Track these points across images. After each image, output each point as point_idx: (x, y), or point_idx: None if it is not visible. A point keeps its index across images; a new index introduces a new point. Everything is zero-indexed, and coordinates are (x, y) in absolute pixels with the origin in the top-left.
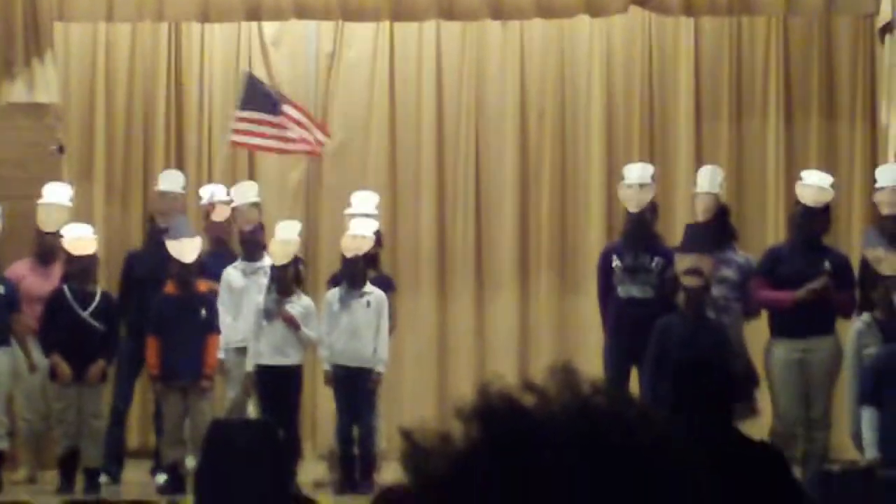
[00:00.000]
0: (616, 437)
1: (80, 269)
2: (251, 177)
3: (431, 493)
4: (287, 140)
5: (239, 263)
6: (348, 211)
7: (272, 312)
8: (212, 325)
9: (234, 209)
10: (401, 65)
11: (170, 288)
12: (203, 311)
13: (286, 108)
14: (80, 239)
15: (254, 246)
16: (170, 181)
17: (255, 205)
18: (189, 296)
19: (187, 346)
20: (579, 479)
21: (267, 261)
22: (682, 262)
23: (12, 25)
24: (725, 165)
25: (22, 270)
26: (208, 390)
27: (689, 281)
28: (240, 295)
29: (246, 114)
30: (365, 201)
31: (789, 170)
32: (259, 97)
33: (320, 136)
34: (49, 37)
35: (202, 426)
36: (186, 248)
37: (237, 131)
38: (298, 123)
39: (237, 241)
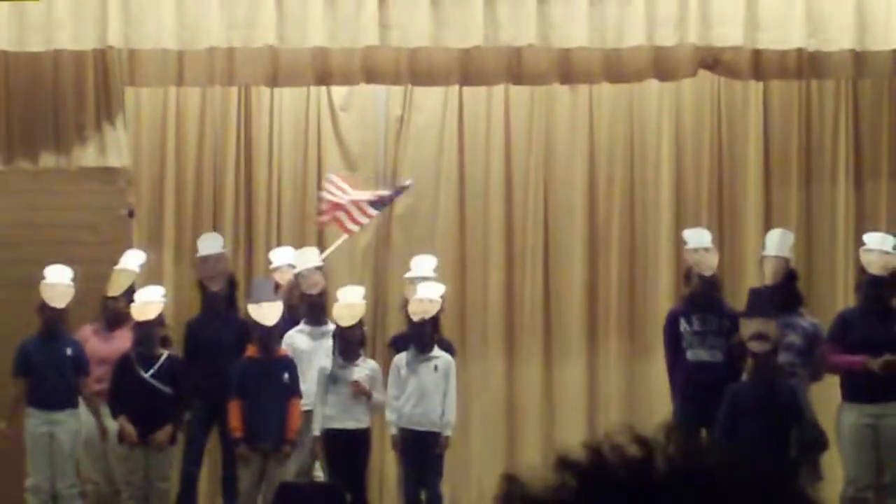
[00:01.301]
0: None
1: (144, 333)
2: (319, 240)
3: None
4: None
5: (304, 327)
6: (408, 275)
7: (339, 377)
8: (294, 389)
9: (297, 275)
10: (470, 128)
11: (251, 351)
12: (285, 375)
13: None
14: (144, 304)
15: (319, 310)
16: (208, 245)
17: (319, 269)
18: (271, 359)
19: (270, 410)
20: None
21: (332, 325)
22: (748, 328)
23: (84, 90)
24: (794, 230)
25: (86, 334)
26: (289, 455)
27: (756, 346)
28: (306, 359)
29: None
30: (424, 265)
31: (859, 234)
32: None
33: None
34: (120, 101)
35: (275, 489)
36: (267, 312)
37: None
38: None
39: (299, 305)
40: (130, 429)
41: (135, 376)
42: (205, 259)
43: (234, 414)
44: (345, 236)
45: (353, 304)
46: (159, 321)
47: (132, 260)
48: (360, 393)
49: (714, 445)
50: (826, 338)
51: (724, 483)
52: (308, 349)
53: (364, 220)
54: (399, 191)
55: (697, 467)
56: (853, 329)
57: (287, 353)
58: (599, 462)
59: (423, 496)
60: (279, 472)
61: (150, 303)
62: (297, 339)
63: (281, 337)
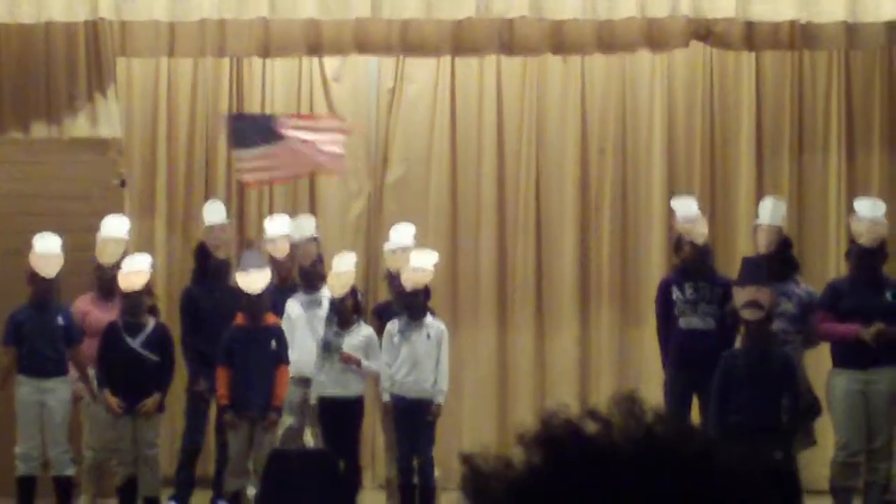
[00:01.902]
0: (678, 469)
1: (131, 302)
2: (312, 209)
3: None
4: (300, 164)
5: (298, 295)
6: (388, 246)
7: (332, 346)
8: (281, 357)
9: (292, 244)
10: (461, 99)
11: (240, 320)
12: (273, 343)
13: (287, 132)
14: (129, 273)
15: (313, 278)
16: (213, 213)
17: (314, 239)
18: (258, 328)
19: (257, 378)
20: None
21: (325, 292)
22: (741, 296)
23: (75, 61)
24: (786, 199)
25: (86, 305)
26: (276, 422)
27: (749, 314)
28: (300, 326)
29: (244, 153)
30: (402, 234)
31: (850, 204)
32: (249, 133)
33: (337, 145)
34: (112, 72)
35: (264, 456)
36: (253, 280)
37: (243, 170)
38: (305, 142)
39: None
40: (113, 401)
41: (122, 345)
42: (210, 228)
43: (222, 381)
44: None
45: (343, 273)
46: (147, 290)
47: (117, 227)
48: (348, 363)
49: (669, 423)
50: (817, 306)
51: (671, 468)
52: (302, 317)
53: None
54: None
55: (645, 446)
56: (844, 298)
57: (275, 322)
58: (554, 439)
59: (414, 463)
60: (267, 439)
61: (136, 272)
62: (291, 307)
63: (270, 306)
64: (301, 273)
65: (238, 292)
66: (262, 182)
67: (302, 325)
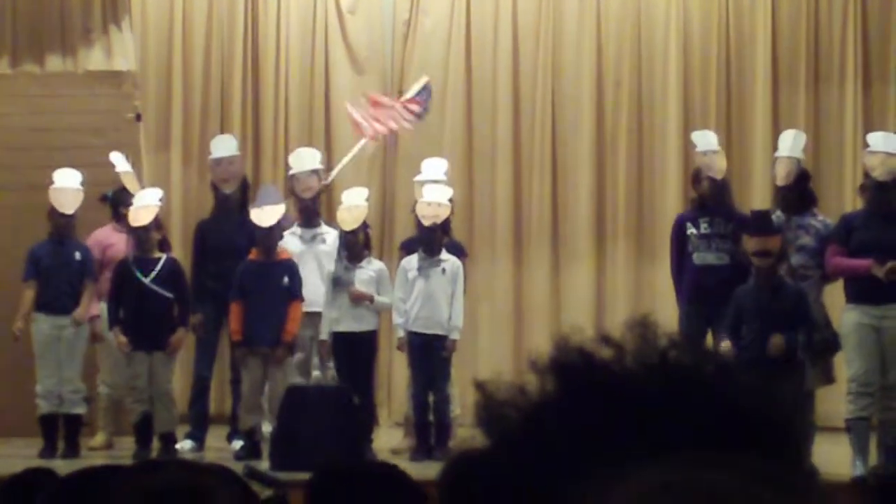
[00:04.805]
0: (695, 391)
1: (139, 238)
2: (327, 144)
3: (504, 444)
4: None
5: (296, 230)
6: (418, 178)
7: (343, 280)
8: (294, 293)
9: (290, 176)
10: (477, 31)
11: (253, 254)
12: (285, 279)
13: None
14: (139, 208)
15: (311, 213)
16: (222, 147)
17: (315, 172)
18: (271, 263)
19: (269, 313)
20: (654, 433)
21: (324, 227)
22: (750, 245)
23: None
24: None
25: (106, 236)
26: (287, 357)
27: (758, 261)
28: (298, 261)
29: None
30: (435, 168)
31: (866, 136)
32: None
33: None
34: (126, 4)
35: (280, 393)
36: (265, 215)
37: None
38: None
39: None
40: (123, 340)
41: (134, 282)
42: (218, 161)
43: (235, 316)
44: (361, 143)
45: (355, 207)
46: (156, 224)
47: (122, 162)
48: (359, 299)
49: (684, 347)
50: (829, 240)
51: (688, 390)
52: (299, 252)
53: (398, 126)
54: (424, 96)
55: (660, 370)
56: (857, 232)
57: (289, 257)
58: (566, 365)
59: (430, 398)
60: (280, 375)
61: (145, 207)
62: (289, 242)
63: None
64: (300, 207)
65: (251, 226)
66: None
67: (305, 261)
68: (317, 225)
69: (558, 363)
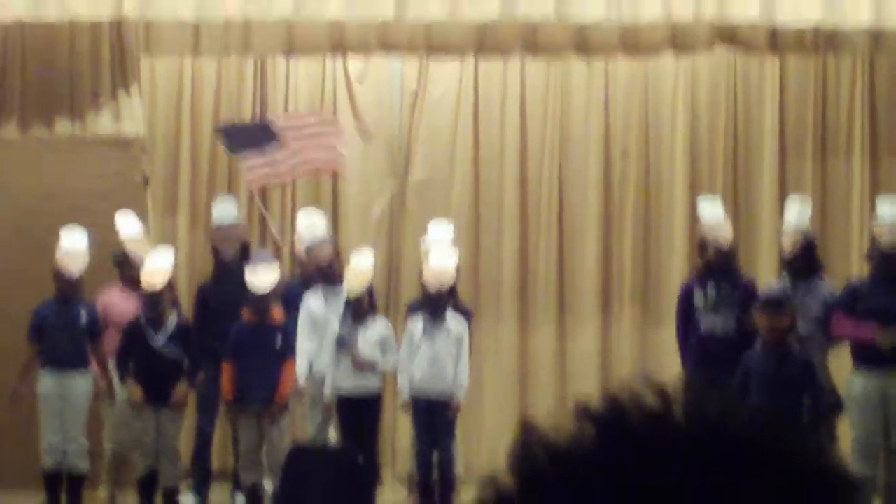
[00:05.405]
0: (752, 461)
1: (151, 300)
2: (334, 208)
3: (537, 491)
4: (301, 163)
5: (318, 289)
6: (425, 241)
7: (347, 342)
8: (286, 353)
9: (306, 249)
10: (485, 101)
11: (246, 315)
12: (279, 339)
13: (283, 132)
14: (152, 272)
15: (331, 276)
16: (221, 213)
17: (326, 241)
18: (264, 324)
19: (262, 373)
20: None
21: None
22: (760, 321)
23: (99, 58)
24: (809, 202)
25: (110, 297)
26: (281, 416)
27: (768, 336)
28: (321, 321)
29: (246, 159)
30: (442, 232)
31: (874, 207)
32: (244, 138)
33: (338, 143)
34: (136, 70)
35: (277, 451)
36: (260, 278)
37: (251, 175)
38: (302, 139)
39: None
40: (136, 391)
41: (145, 342)
42: (219, 227)
43: (226, 376)
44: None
45: (361, 271)
46: (168, 286)
47: (130, 225)
48: (363, 368)
49: (731, 398)
50: (834, 307)
51: (743, 434)
52: (323, 312)
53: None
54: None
55: (716, 419)
56: (863, 299)
57: (281, 318)
58: (618, 411)
59: (435, 458)
60: (276, 432)
61: (158, 270)
62: (313, 302)
63: (290, 300)
64: (318, 272)
65: (247, 289)
66: (266, 185)
67: (326, 321)
68: (339, 283)
69: (612, 413)
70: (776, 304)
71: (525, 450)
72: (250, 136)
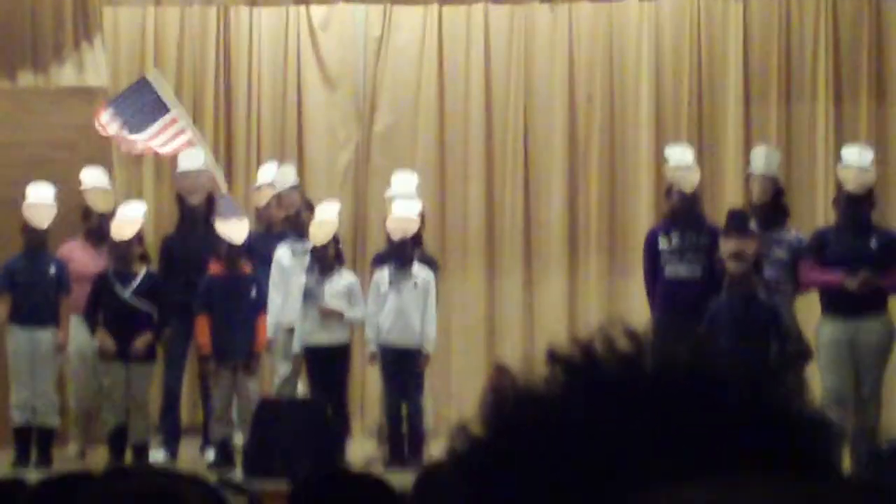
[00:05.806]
0: (736, 394)
1: (121, 252)
2: (299, 159)
3: (505, 434)
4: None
5: (288, 243)
6: (388, 193)
7: (314, 293)
8: (261, 305)
9: (276, 195)
10: (449, 48)
11: (216, 268)
12: (252, 292)
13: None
14: (122, 223)
15: (299, 227)
16: (188, 161)
17: (295, 188)
18: (237, 276)
19: (238, 326)
20: (682, 440)
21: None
22: (726, 247)
23: (62, 10)
24: (774, 147)
25: (71, 251)
26: (258, 369)
27: (733, 266)
28: (290, 274)
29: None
30: (405, 183)
31: (838, 151)
32: (136, 114)
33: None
34: (98, 21)
35: (249, 404)
36: (235, 229)
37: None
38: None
39: (278, 222)
40: (109, 341)
41: (113, 295)
42: (185, 174)
43: (202, 330)
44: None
45: (326, 222)
46: (137, 238)
47: (97, 177)
48: (330, 315)
49: (702, 342)
50: (802, 254)
51: (716, 376)
52: (291, 265)
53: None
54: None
55: (687, 362)
56: (830, 245)
57: (252, 270)
58: (589, 355)
59: (404, 410)
60: (250, 386)
61: (128, 221)
62: (282, 255)
63: (257, 252)
64: (288, 222)
65: (214, 239)
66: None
67: (295, 273)
68: (307, 237)
69: (583, 357)
70: (740, 222)
71: (496, 396)
72: (138, 109)
